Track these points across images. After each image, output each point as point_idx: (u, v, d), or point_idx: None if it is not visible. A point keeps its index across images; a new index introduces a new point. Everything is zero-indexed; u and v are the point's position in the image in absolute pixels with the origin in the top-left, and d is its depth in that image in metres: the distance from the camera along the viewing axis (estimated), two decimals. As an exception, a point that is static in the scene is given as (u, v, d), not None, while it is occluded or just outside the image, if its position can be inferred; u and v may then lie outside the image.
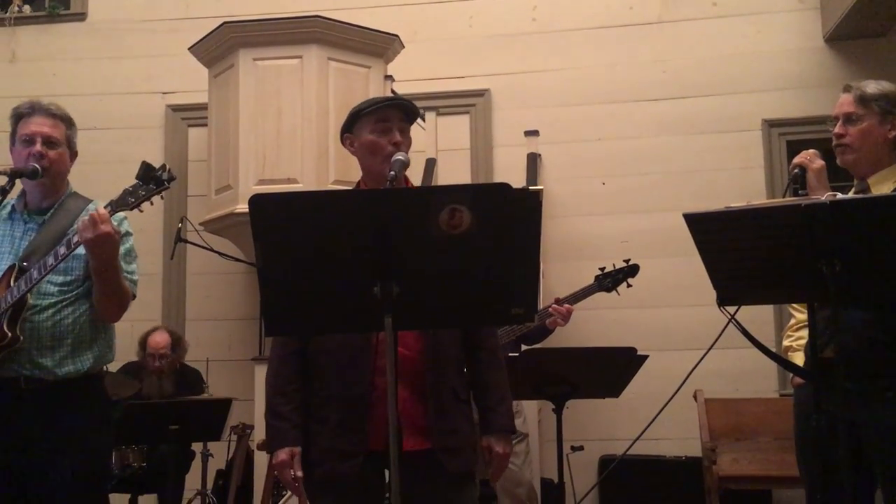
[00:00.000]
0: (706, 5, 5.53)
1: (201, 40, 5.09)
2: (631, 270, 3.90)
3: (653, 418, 3.22)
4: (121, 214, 2.50)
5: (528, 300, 1.86)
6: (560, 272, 5.14)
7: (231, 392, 4.81)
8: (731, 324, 2.16)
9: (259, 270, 1.80)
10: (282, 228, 1.74)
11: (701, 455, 4.68)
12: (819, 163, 2.50)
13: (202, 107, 5.42)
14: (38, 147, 2.58)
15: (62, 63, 6.07)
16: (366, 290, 1.73)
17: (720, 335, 2.41)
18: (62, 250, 2.43)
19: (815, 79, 5.34)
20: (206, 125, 5.36)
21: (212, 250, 4.92)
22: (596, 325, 4.87)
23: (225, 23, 4.93)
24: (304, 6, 5.33)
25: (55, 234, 2.54)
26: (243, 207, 4.57)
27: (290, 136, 4.82)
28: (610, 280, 3.89)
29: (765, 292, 2.24)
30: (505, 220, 1.73)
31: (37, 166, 2.56)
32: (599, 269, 3.94)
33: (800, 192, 2.45)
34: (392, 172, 2.13)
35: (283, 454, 2.19)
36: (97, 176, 5.34)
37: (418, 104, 2.59)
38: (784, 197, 2.60)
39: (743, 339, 2.22)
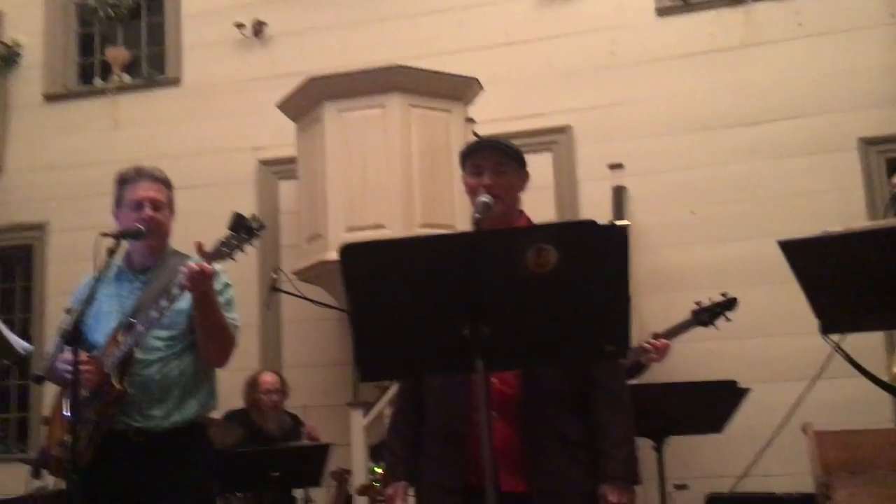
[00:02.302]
0: (791, 26, 5.40)
1: (288, 96, 5.28)
2: (729, 304, 3.77)
3: (759, 453, 3.09)
4: (218, 267, 2.59)
5: (621, 336, 1.82)
6: (653, 305, 5.02)
7: (328, 437, 4.87)
8: (836, 353, 2.06)
9: (350, 317, 1.83)
10: (371, 275, 1.76)
11: (814, 491, 4.44)
12: (922, 180, 2.38)
13: (291, 160, 5.60)
14: (148, 212, 2.72)
15: (160, 126, 6.38)
16: (456, 332, 1.73)
17: (825, 365, 2.30)
18: (164, 303, 2.55)
19: (911, 93, 5.13)
20: (295, 177, 5.53)
21: (305, 298, 5.04)
22: (693, 358, 4.72)
23: (310, 78, 5.09)
24: (384, 56, 5.45)
25: (159, 291, 2.65)
26: (333, 255, 4.66)
27: (375, 182, 4.92)
28: (707, 314, 3.77)
29: (869, 319, 2.12)
30: (592, 256, 1.71)
31: (140, 227, 2.69)
32: (696, 303, 3.84)
33: (903, 211, 2.33)
34: (477, 215, 2.15)
35: (390, 489, 2.30)
36: (195, 231, 5.56)
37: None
38: (885, 217, 2.49)
39: (851, 367, 2.11)
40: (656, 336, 3.70)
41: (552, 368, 2.17)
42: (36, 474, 2.89)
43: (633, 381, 3.82)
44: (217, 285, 2.67)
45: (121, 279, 2.80)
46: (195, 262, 2.60)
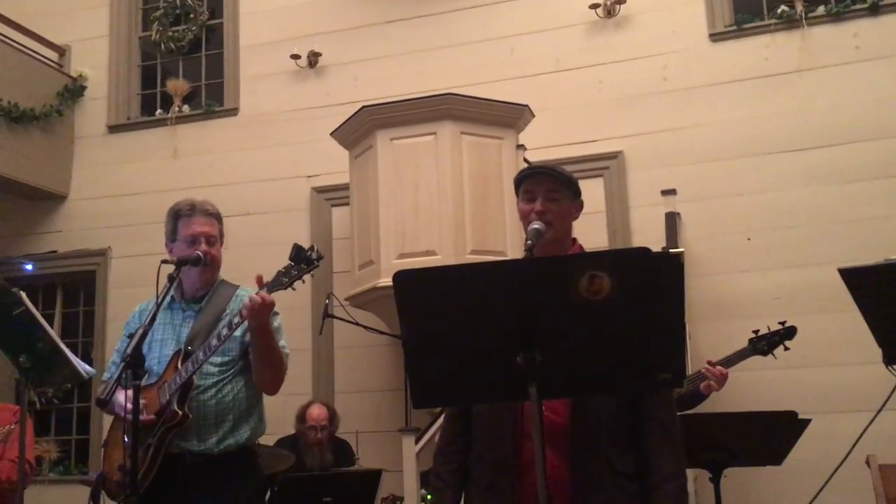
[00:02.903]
0: (848, 49, 5.31)
1: (342, 125, 5.36)
2: (787, 333, 3.69)
3: (821, 487, 3.00)
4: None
5: (676, 365, 1.79)
6: (708, 333, 4.95)
7: (380, 463, 4.87)
8: (901, 383, 2.00)
9: (404, 343, 1.84)
10: (425, 302, 1.77)
11: (879, 527, 4.30)
12: None
13: (344, 187, 5.69)
14: (204, 247, 2.81)
15: (217, 155, 6.55)
16: (509, 359, 1.73)
17: (890, 396, 2.24)
18: (225, 331, 2.62)
19: (977, 114, 4.99)
20: (348, 204, 5.60)
21: (357, 324, 5.07)
22: (752, 388, 4.63)
23: (363, 107, 5.18)
24: (436, 85, 5.53)
25: (212, 319, 2.76)
26: (385, 281, 4.70)
27: (427, 210, 4.95)
28: (765, 343, 3.70)
29: (938, 348, 2.06)
30: (646, 284, 1.69)
31: (200, 254, 2.78)
32: (753, 331, 3.76)
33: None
34: (529, 241, 2.15)
35: None
36: (250, 258, 5.66)
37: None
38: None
39: (917, 399, 2.06)
40: (711, 364, 3.64)
41: (603, 398, 2.13)
42: (95, 497, 2.95)
43: (691, 411, 3.76)
44: None
45: (172, 308, 2.88)
46: (247, 292, 2.68)
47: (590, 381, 1.87)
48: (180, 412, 2.63)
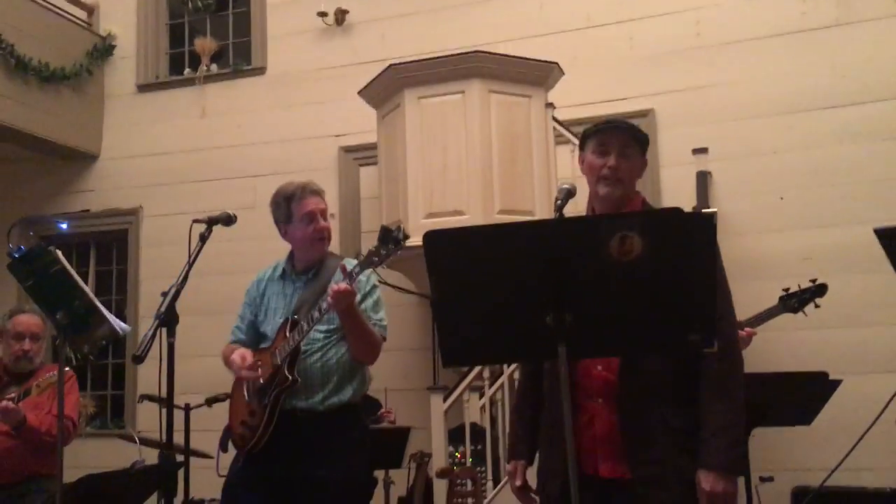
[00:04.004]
0: (887, 3, 5.16)
1: (369, 84, 5.33)
2: (818, 290, 3.67)
3: (852, 447, 2.99)
4: (367, 270, 2.87)
5: (706, 326, 1.79)
6: (737, 293, 4.82)
7: (409, 421, 4.94)
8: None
9: (434, 303, 1.86)
10: (455, 262, 1.78)
11: (907, 487, 4.29)
12: None
13: (372, 146, 5.67)
14: (322, 223, 3.03)
15: (245, 115, 6.55)
16: (539, 319, 1.74)
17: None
18: (325, 305, 2.82)
19: None
20: (375, 164, 5.59)
21: (385, 283, 5.09)
22: (781, 348, 4.61)
23: (391, 65, 5.14)
24: (464, 42, 5.46)
25: (318, 290, 2.98)
26: (413, 241, 4.70)
27: (455, 169, 4.93)
28: (796, 301, 3.68)
29: (975, 310, 2.03)
30: (678, 245, 1.69)
31: (230, 214, 2.92)
32: (783, 289, 3.74)
33: None
34: (558, 201, 2.14)
35: (510, 466, 2.44)
36: (279, 217, 5.70)
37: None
38: None
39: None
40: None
41: (652, 355, 2.13)
42: (224, 448, 3.23)
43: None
44: (366, 287, 3.00)
45: (285, 280, 3.10)
46: (350, 264, 2.84)
47: (619, 342, 1.88)
48: (290, 377, 2.85)
